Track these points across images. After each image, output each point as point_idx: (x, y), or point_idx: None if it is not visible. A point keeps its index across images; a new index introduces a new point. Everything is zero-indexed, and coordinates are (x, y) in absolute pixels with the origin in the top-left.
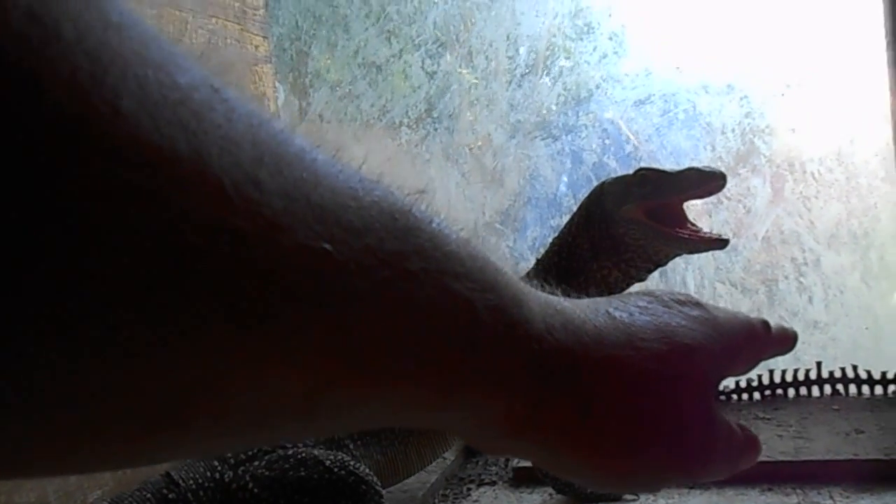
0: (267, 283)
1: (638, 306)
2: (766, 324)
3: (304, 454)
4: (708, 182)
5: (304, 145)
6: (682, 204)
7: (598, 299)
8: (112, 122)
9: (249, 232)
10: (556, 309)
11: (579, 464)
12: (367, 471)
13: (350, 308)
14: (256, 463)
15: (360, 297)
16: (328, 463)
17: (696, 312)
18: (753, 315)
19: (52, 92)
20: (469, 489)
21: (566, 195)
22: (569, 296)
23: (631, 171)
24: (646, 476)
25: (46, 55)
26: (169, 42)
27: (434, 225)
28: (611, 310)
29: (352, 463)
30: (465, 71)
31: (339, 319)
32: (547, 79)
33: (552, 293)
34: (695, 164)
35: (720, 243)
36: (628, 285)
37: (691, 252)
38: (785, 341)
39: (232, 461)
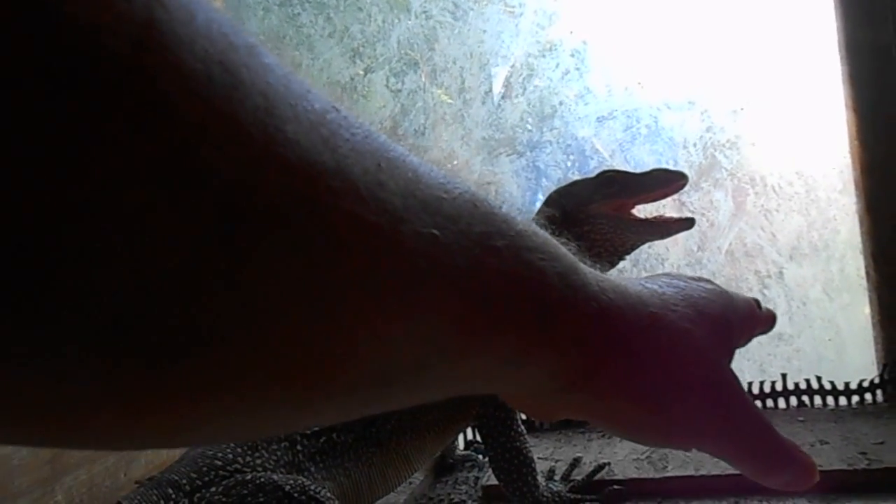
0: (396, 264)
1: (662, 281)
2: (758, 302)
3: (262, 479)
4: (674, 181)
5: (401, 150)
6: (634, 207)
7: (627, 277)
8: (283, 145)
9: (382, 225)
10: (603, 277)
11: (630, 412)
12: (329, 494)
13: (457, 280)
14: (213, 489)
15: (462, 272)
16: (287, 488)
17: (710, 286)
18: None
19: (243, 125)
20: None
21: (532, 211)
22: None
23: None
24: (681, 428)
25: (236, 97)
26: (293, 72)
27: (504, 209)
28: (642, 282)
29: (312, 487)
30: (440, 90)
31: (448, 291)
32: (511, 96)
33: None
34: None
35: (686, 222)
36: None
37: (661, 237)
38: (769, 320)
39: (187, 488)
